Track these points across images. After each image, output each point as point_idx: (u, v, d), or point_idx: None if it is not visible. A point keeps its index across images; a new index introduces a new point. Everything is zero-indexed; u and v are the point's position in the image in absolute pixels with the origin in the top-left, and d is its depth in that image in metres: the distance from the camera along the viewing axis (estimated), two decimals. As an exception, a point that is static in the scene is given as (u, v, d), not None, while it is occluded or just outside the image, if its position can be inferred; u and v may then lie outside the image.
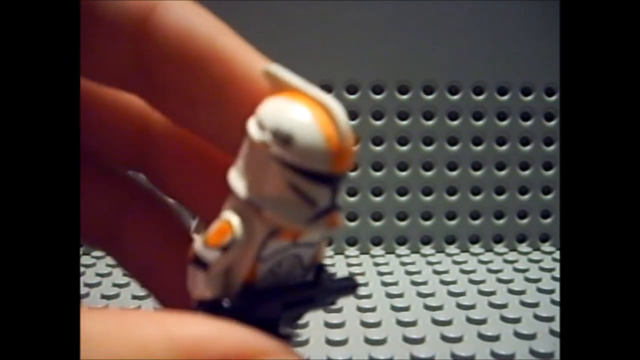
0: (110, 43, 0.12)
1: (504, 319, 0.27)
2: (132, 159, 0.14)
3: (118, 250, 0.15)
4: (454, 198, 0.38)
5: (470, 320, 0.26)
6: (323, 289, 0.13)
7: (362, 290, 0.30)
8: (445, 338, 0.24)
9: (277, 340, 0.09)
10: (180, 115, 0.13)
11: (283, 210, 0.10)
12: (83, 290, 0.30)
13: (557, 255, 0.37)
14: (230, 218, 0.11)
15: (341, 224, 0.11)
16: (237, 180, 0.11)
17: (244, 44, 0.12)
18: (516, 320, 0.26)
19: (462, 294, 0.30)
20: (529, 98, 0.38)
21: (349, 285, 0.13)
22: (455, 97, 0.37)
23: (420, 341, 0.24)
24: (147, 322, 0.08)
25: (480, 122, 0.38)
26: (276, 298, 0.12)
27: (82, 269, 0.32)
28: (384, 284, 0.31)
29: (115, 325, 0.08)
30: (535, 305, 0.28)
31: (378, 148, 0.37)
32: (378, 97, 0.37)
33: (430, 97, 0.37)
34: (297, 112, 0.10)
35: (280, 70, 0.11)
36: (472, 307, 0.28)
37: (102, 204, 0.15)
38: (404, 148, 0.37)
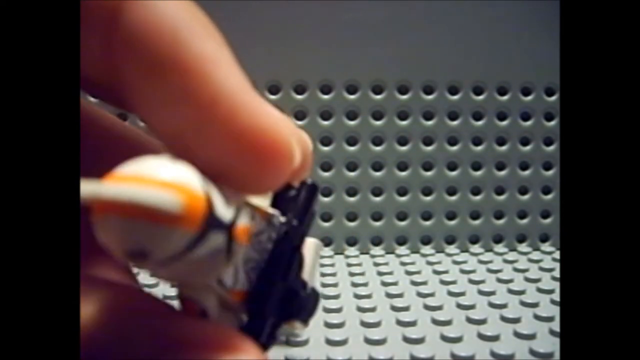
0: (82, 33, 0.11)
1: (503, 319, 0.27)
2: (100, 75, 0.13)
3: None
4: (454, 198, 0.38)
5: (470, 320, 0.26)
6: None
7: (362, 290, 0.30)
8: (445, 338, 0.24)
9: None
10: (145, 117, 0.12)
11: None
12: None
13: (557, 255, 0.37)
14: None
15: None
16: None
17: (223, 54, 0.12)
18: (516, 320, 0.26)
19: (462, 294, 0.30)
20: (529, 98, 0.38)
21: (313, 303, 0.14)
22: (455, 97, 0.37)
23: (420, 341, 0.24)
24: None
25: (480, 122, 0.38)
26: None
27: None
28: (384, 284, 0.31)
29: None
30: (535, 305, 0.28)
31: (378, 148, 0.37)
32: (378, 97, 0.37)
33: (430, 97, 0.37)
34: None
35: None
36: (472, 307, 0.28)
37: None
38: (404, 148, 0.37)
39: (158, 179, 0.10)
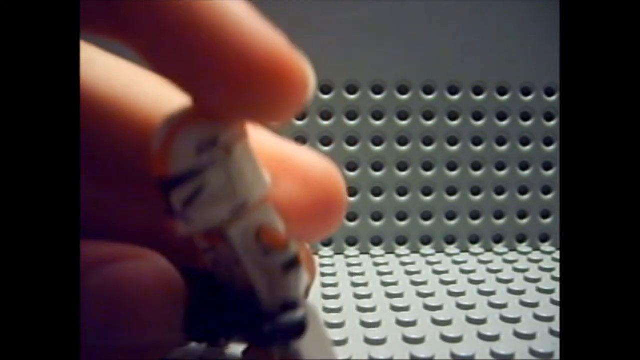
0: None
1: (503, 319, 0.27)
2: (108, 26, 0.12)
3: None
4: (454, 198, 0.38)
5: (470, 320, 0.26)
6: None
7: (362, 290, 0.30)
8: (445, 338, 0.24)
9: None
10: (143, 52, 0.12)
11: None
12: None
13: (557, 255, 0.37)
14: None
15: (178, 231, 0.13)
16: None
17: None
18: (516, 320, 0.26)
19: (462, 294, 0.30)
20: (529, 98, 0.38)
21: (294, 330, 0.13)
22: (455, 97, 0.37)
23: (420, 341, 0.24)
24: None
25: (480, 122, 0.38)
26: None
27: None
28: (384, 284, 0.31)
29: None
30: (535, 305, 0.28)
31: (378, 148, 0.37)
32: (378, 97, 0.37)
33: (430, 97, 0.37)
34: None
35: None
36: (472, 307, 0.28)
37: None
38: (404, 148, 0.37)
39: None
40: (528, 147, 0.38)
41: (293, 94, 0.12)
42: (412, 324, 0.26)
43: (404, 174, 0.38)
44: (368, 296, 0.29)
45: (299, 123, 0.36)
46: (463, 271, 0.33)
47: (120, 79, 0.15)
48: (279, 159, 0.15)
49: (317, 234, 0.15)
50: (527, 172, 0.39)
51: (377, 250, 0.37)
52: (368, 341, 0.24)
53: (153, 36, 0.11)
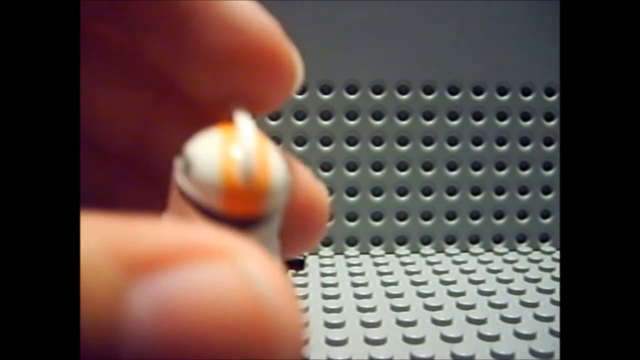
0: None
1: (503, 319, 0.27)
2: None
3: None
4: (454, 198, 0.38)
5: (470, 320, 0.26)
6: None
7: (362, 290, 0.30)
8: (445, 338, 0.24)
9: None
10: (129, 36, 0.11)
11: None
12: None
13: (557, 255, 0.37)
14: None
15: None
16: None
17: None
18: (516, 320, 0.26)
19: (462, 294, 0.30)
20: (529, 98, 0.38)
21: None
22: (455, 97, 0.37)
23: (420, 341, 0.24)
24: (86, 230, 0.07)
25: (480, 122, 0.38)
26: None
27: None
28: (384, 284, 0.31)
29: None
30: (535, 305, 0.28)
31: (378, 148, 0.37)
32: (378, 97, 0.37)
33: (430, 97, 0.37)
34: (208, 138, 0.09)
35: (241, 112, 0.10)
36: (472, 307, 0.28)
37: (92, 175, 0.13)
38: (404, 148, 0.37)
39: None
40: (528, 147, 0.38)
41: (280, 82, 0.11)
42: (412, 324, 0.26)
43: (404, 174, 0.38)
44: (368, 296, 0.29)
45: (299, 123, 0.36)
46: (463, 271, 0.33)
47: None
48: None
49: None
50: (527, 172, 0.39)
51: (377, 250, 0.37)
52: (368, 341, 0.24)
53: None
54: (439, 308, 0.28)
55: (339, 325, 0.26)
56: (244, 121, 0.09)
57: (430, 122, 0.37)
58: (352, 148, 0.37)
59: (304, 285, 0.31)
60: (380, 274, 0.33)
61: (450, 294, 0.30)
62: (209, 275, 0.07)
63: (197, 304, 0.06)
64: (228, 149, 0.08)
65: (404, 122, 0.37)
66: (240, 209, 0.08)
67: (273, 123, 0.36)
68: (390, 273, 0.33)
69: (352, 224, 0.37)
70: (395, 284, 0.31)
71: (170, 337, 0.06)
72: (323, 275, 0.33)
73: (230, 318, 0.06)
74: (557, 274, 0.33)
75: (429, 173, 0.38)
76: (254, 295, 0.07)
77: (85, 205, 0.14)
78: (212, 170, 0.08)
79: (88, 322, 0.06)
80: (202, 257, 0.07)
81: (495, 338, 0.25)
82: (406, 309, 0.28)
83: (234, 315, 0.07)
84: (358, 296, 0.29)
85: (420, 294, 0.30)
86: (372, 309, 0.28)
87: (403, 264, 0.35)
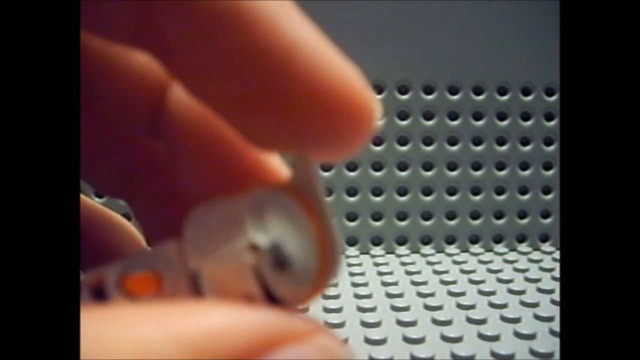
0: None
1: (504, 319, 0.27)
2: (145, 129, 0.12)
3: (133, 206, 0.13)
4: (454, 198, 0.38)
5: (470, 320, 0.26)
6: None
7: (362, 290, 0.30)
8: (445, 338, 0.24)
9: (305, 318, 0.08)
10: (190, 82, 0.10)
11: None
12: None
13: (557, 255, 0.37)
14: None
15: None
16: (193, 230, 0.09)
17: (285, 4, 0.10)
18: (516, 320, 0.26)
19: (462, 294, 0.30)
20: (529, 98, 0.38)
21: None
22: (455, 97, 0.37)
23: (420, 341, 0.24)
24: (146, 317, 0.07)
25: (480, 122, 0.38)
26: None
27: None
28: (384, 284, 0.31)
29: (111, 324, 0.07)
30: (535, 305, 0.28)
31: (378, 148, 0.37)
32: (378, 97, 0.37)
33: (430, 97, 0.37)
34: (307, 239, 0.09)
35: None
36: (472, 307, 0.28)
37: (116, 162, 0.13)
38: (404, 148, 0.37)
39: None
40: (528, 147, 0.38)
41: (359, 133, 0.10)
42: (412, 324, 0.26)
43: (404, 174, 0.38)
44: (368, 296, 0.29)
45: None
46: (463, 271, 0.33)
47: None
48: None
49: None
50: (527, 172, 0.39)
51: (377, 250, 0.37)
52: (368, 341, 0.24)
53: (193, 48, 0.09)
54: (439, 308, 0.28)
55: (339, 326, 0.26)
56: (323, 200, 0.09)
57: (430, 122, 0.37)
58: (352, 148, 0.37)
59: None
60: (380, 274, 0.33)
61: (451, 294, 0.30)
62: (302, 354, 0.08)
63: None
64: (325, 249, 0.09)
65: (404, 122, 0.37)
66: (309, 302, 0.09)
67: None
68: (390, 273, 0.33)
69: (352, 224, 0.37)
70: (395, 284, 0.31)
71: None
72: (323, 275, 0.33)
73: None
74: (557, 274, 0.33)
75: (429, 173, 0.38)
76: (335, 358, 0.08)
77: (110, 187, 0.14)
78: (310, 274, 0.09)
79: None
80: (293, 340, 0.08)
81: (495, 338, 0.25)
82: (406, 309, 0.28)
83: None
84: (358, 296, 0.29)
85: (420, 294, 0.30)
86: (372, 309, 0.28)
87: (403, 264, 0.35)
